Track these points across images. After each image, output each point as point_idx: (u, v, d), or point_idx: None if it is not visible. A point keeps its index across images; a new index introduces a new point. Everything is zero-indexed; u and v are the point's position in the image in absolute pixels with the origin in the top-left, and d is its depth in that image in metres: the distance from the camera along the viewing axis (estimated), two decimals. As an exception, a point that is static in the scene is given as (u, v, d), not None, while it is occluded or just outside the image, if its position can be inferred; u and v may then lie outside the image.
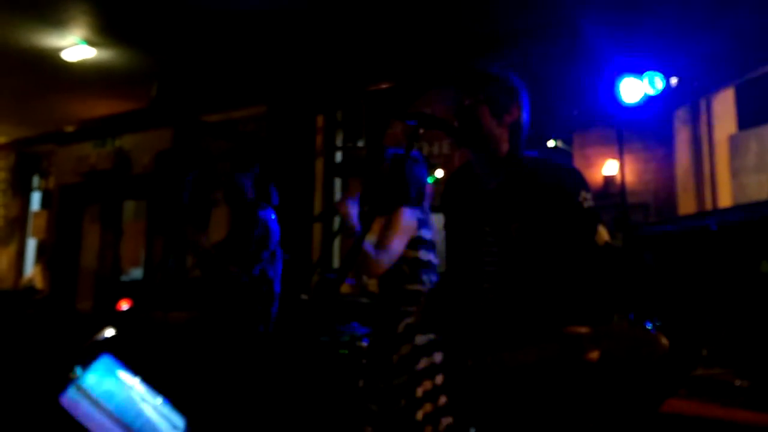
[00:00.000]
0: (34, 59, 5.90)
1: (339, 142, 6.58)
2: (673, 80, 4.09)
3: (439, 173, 5.02)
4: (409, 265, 2.51)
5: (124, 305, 4.50)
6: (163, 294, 4.60)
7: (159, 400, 2.24)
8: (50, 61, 5.88)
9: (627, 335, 1.60)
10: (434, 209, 2.91)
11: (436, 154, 5.55)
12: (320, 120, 6.54)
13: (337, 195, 6.41)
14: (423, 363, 2.39)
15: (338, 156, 6.51)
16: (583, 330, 1.63)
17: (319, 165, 6.45)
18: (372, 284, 4.67)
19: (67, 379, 1.88)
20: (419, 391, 2.34)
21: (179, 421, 2.22)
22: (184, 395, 2.36)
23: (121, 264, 6.99)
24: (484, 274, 1.83)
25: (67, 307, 6.71)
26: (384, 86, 6.06)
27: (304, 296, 5.08)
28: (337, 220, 6.30)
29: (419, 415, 2.31)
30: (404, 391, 2.34)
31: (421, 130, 1.93)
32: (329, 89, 6.36)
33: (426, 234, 2.55)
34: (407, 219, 2.50)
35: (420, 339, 2.42)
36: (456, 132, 1.90)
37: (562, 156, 4.97)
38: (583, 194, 1.74)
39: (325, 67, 5.93)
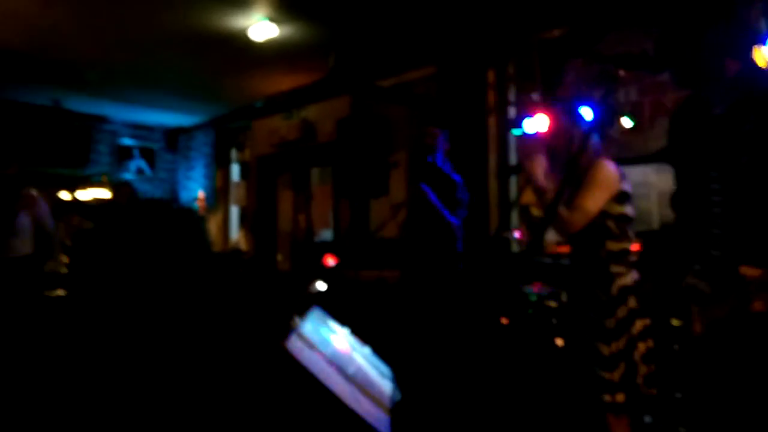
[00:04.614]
0: (224, 41, 6.45)
1: (512, 96, 6.39)
2: None
3: (627, 123, 4.61)
4: (615, 221, 2.37)
5: (330, 261, 4.83)
6: (353, 254, 4.91)
7: (366, 350, 2.42)
8: (238, 41, 6.41)
9: None
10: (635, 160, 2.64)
11: (622, 102, 5.13)
12: (491, 75, 6.39)
13: (512, 152, 6.26)
14: (638, 326, 2.28)
15: (512, 111, 6.34)
16: (753, 272, 1.42)
17: (492, 121, 6.33)
18: (548, 244, 4.52)
19: (288, 328, 2.11)
20: (636, 355, 2.25)
21: (386, 369, 2.39)
22: (388, 347, 2.52)
23: (312, 226, 7.59)
24: (711, 218, 1.67)
25: (269, 266, 7.47)
26: (557, 33, 5.72)
27: (481, 257, 5.09)
28: (512, 179, 6.18)
29: (639, 379, 2.23)
30: (624, 356, 2.25)
31: (621, 73, 1.81)
32: (498, 42, 6.16)
33: (627, 187, 2.39)
34: (608, 172, 2.35)
35: (634, 301, 2.31)
36: (676, 72, 1.75)
37: None
38: None
39: (492, 18, 5.75)
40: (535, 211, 6.04)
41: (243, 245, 8.33)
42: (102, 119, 9.97)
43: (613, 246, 2.36)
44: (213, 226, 9.62)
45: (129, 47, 6.76)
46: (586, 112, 2.28)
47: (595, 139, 2.46)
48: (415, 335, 3.16)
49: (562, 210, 2.33)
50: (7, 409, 3.21)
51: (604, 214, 2.34)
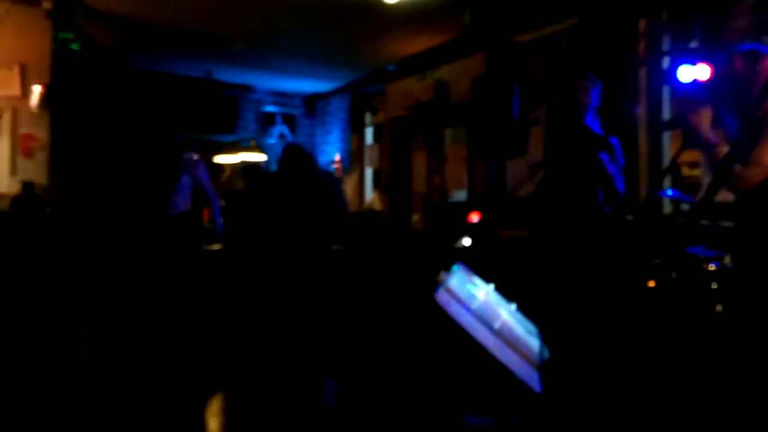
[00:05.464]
0: (359, 6, 6.53)
1: (666, 46, 5.83)
2: None
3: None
4: None
5: (474, 218, 4.81)
6: (490, 213, 4.85)
7: (512, 307, 2.39)
8: (372, 6, 6.44)
9: None
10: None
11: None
12: (642, 23, 5.87)
13: (666, 105, 5.75)
14: None
15: (666, 62, 5.80)
16: None
17: (643, 73, 5.84)
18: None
19: (436, 282, 2.13)
20: None
21: (532, 327, 2.35)
22: (534, 305, 2.47)
23: (445, 187, 7.59)
24: None
25: (404, 225, 7.63)
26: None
27: (629, 217, 4.78)
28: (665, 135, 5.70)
29: None
30: None
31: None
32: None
33: None
34: None
35: None
36: None
37: None
38: None
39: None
40: (688, 171, 5.56)
41: (377, 205, 8.55)
42: (248, 88, 10.64)
43: None
44: (348, 187, 9.96)
45: (270, 20, 7.12)
46: None
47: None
48: (563, 296, 3.07)
49: (736, 165, 2.13)
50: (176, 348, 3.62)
51: None
